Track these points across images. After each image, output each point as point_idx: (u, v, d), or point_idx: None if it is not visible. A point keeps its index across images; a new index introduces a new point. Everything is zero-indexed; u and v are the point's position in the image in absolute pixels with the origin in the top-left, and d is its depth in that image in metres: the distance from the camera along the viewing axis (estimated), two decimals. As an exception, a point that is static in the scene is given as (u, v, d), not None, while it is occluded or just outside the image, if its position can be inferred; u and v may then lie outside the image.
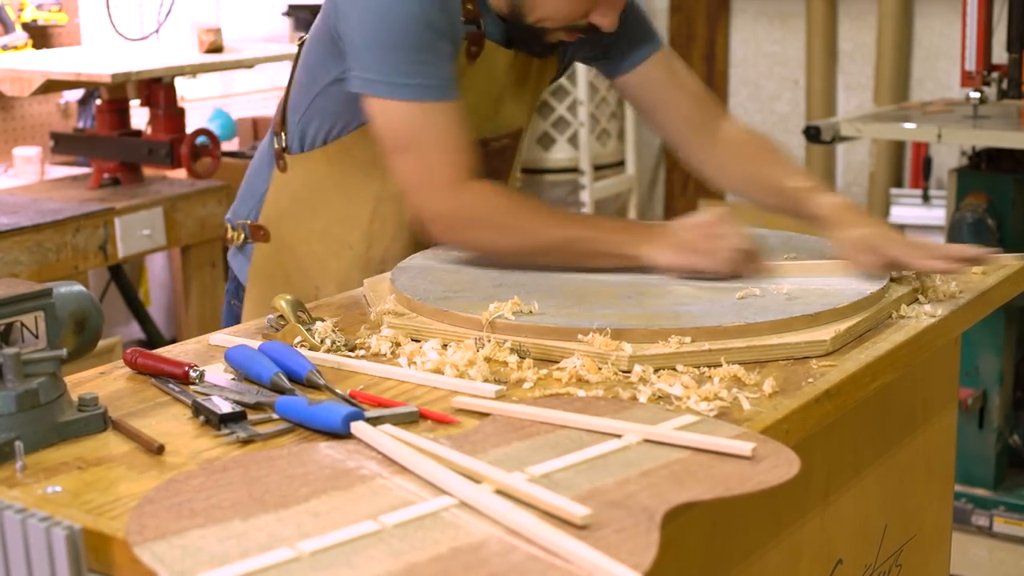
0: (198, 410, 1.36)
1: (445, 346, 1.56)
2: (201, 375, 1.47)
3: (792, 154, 4.03)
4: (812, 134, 3.45)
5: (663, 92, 2.06)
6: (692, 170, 2.12)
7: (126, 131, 3.65)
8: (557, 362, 1.50)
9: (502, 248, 1.82)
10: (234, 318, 2.14)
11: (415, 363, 1.52)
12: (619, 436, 1.27)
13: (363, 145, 1.94)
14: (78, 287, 1.44)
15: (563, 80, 4.78)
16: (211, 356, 1.58)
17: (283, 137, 2.04)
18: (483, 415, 1.36)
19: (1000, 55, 3.42)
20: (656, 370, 1.47)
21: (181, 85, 3.87)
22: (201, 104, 4.45)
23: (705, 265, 1.73)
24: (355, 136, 1.95)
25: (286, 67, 3.62)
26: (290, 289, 2.00)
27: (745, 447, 1.21)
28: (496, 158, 2.03)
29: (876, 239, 1.74)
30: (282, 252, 2.08)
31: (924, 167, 4.40)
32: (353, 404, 1.37)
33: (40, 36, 3.90)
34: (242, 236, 2.11)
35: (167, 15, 4.17)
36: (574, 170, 4.76)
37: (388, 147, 1.83)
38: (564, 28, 1.89)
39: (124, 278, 4.12)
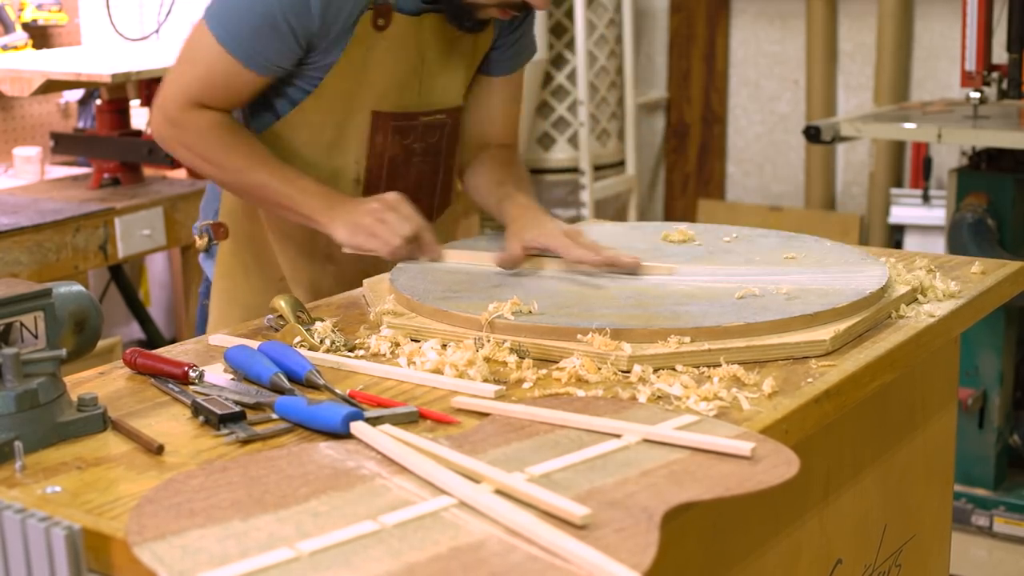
0: (198, 410, 1.36)
1: (445, 346, 1.56)
2: (201, 375, 1.47)
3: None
4: (812, 134, 3.45)
5: (486, 103, 2.15)
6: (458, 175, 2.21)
7: (126, 131, 3.64)
8: (556, 362, 1.50)
9: (206, 176, 2.01)
10: (205, 319, 2.16)
11: (415, 363, 1.52)
12: (618, 436, 1.27)
13: (303, 127, 1.98)
14: (78, 287, 1.44)
15: (563, 80, 4.77)
16: (211, 356, 1.58)
17: None
18: (483, 415, 1.36)
19: (1000, 55, 3.41)
20: (656, 370, 1.47)
21: (181, 85, 3.86)
22: (201, 104, 4.44)
23: (372, 247, 1.86)
24: (292, 119, 1.98)
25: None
26: (252, 282, 2.06)
27: (744, 447, 1.21)
28: (431, 133, 2.06)
29: (534, 232, 1.85)
30: (242, 246, 2.11)
31: (924, 167, 4.40)
32: (353, 404, 1.37)
33: (40, 36, 3.90)
34: (207, 238, 2.13)
35: (167, 15, 4.17)
36: (574, 170, 4.75)
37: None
38: (496, 4, 1.92)
39: (124, 278, 4.12)
